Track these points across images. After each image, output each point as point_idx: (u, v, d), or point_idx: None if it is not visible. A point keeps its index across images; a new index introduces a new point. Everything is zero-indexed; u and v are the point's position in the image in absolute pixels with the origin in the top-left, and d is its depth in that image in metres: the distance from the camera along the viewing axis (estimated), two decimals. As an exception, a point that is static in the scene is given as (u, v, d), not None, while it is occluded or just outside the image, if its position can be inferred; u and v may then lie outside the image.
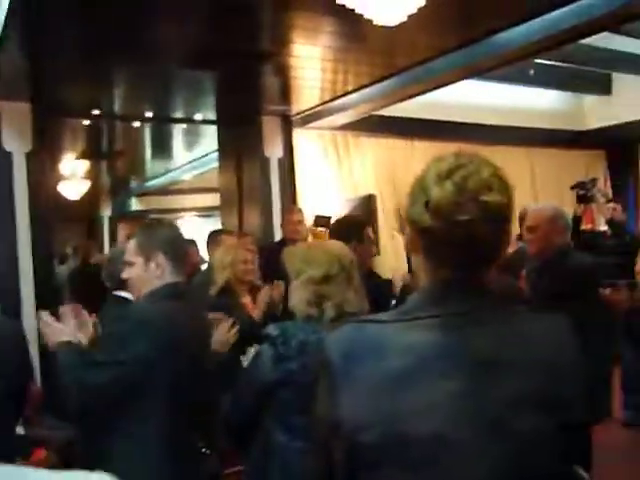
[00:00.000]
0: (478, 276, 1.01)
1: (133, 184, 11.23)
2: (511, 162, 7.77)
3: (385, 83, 5.39)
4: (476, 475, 0.92)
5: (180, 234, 2.22)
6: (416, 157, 6.98)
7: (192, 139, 7.85)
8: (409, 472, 0.92)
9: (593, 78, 7.86)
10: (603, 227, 4.82)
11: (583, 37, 4.30)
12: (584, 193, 4.55)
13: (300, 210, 4.83)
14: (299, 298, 1.86)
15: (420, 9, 3.11)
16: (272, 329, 1.80)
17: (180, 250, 2.13)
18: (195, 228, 9.68)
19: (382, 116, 6.62)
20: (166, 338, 1.91)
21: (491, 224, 0.96)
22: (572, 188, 4.68)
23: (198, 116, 6.23)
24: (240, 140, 6.32)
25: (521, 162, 7.92)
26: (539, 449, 0.95)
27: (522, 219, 3.62)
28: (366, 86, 5.53)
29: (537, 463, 0.95)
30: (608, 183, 8.47)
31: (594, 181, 4.66)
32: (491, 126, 7.46)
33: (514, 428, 0.93)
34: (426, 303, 1.00)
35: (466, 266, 0.99)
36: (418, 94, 5.59)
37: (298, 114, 6.22)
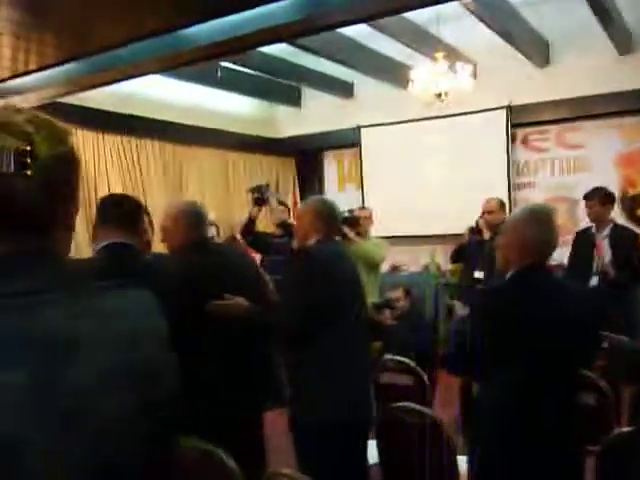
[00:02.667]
0: (37, 248, 0.87)
1: None
2: (207, 164, 7.91)
3: (71, 67, 5.02)
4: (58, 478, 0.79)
5: None
6: (108, 151, 6.70)
7: None
8: None
9: (284, 90, 8.40)
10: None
11: (265, 44, 4.50)
12: (259, 196, 4.76)
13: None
14: None
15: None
16: None
17: None
18: None
19: (73, 105, 6.17)
20: None
21: (33, 180, 0.83)
22: (249, 192, 4.88)
23: None
24: None
25: (217, 165, 8.09)
26: (123, 434, 0.85)
27: None
28: (50, 67, 5.07)
29: (122, 449, 0.85)
30: (297, 187, 9.13)
31: (268, 185, 4.92)
32: (187, 126, 7.47)
33: (91, 416, 0.82)
34: None
35: (14, 235, 0.85)
36: (106, 83, 5.32)
37: (-33, 91, 5.45)
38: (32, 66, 5.14)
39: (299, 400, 2.63)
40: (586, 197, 4.89)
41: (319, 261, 2.60)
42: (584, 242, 4.92)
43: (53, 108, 5.90)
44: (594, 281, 4.73)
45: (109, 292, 0.93)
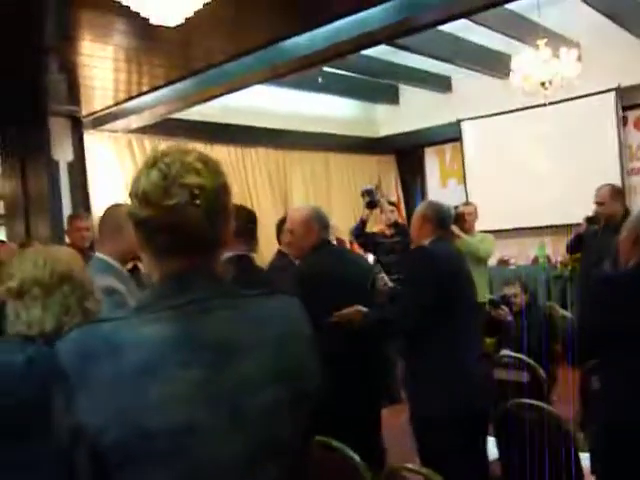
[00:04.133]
0: (203, 264, 1.02)
1: None
2: (309, 167, 8.09)
3: (180, 85, 5.32)
4: (224, 460, 0.94)
5: None
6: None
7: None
8: (158, 467, 0.92)
9: (382, 89, 8.44)
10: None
11: (363, 48, 4.57)
12: (371, 199, 4.91)
13: (88, 216, 4.60)
14: None
15: (210, 13, 3.10)
16: None
17: None
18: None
19: (180, 119, 6.52)
20: None
21: (202, 209, 0.97)
22: (361, 195, 5.03)
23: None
24: (25, 142, 5.84)
25: (319, 167, 8.26)
26: (277, 421, 0.99)
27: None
28: (161, 87, 5.41)
29: (279, 437, 0.99)
30: (399, 185, 9.14)
31: (378, 187, 5.06)
32: (289, 131, 7.69)
33: (253, 408, 0.97)
34: (157, 296, 1.01)
35: (186, 255, 1.00)
36: (214, 97, 5.58)
37: (89, 115, 5.90)
38: (145, 87, 5.50)
39: (417, 396, 2.72)
40: None
41: (431, 259, 2.74)
42: None
43: (162, 124, 6.29)
44: None
45: (260, 299, 1.08)
